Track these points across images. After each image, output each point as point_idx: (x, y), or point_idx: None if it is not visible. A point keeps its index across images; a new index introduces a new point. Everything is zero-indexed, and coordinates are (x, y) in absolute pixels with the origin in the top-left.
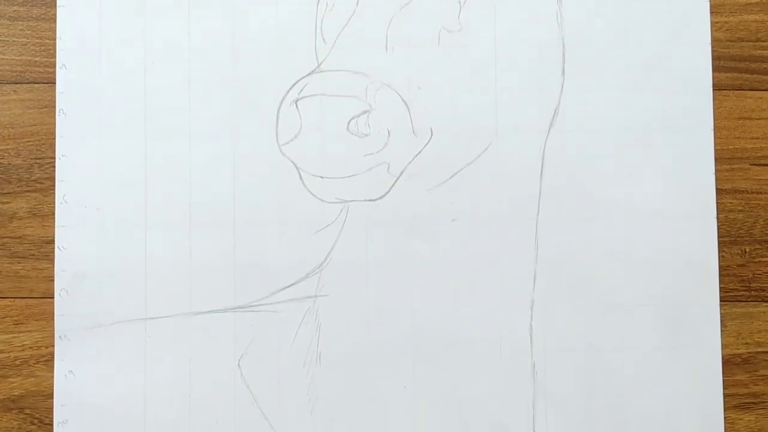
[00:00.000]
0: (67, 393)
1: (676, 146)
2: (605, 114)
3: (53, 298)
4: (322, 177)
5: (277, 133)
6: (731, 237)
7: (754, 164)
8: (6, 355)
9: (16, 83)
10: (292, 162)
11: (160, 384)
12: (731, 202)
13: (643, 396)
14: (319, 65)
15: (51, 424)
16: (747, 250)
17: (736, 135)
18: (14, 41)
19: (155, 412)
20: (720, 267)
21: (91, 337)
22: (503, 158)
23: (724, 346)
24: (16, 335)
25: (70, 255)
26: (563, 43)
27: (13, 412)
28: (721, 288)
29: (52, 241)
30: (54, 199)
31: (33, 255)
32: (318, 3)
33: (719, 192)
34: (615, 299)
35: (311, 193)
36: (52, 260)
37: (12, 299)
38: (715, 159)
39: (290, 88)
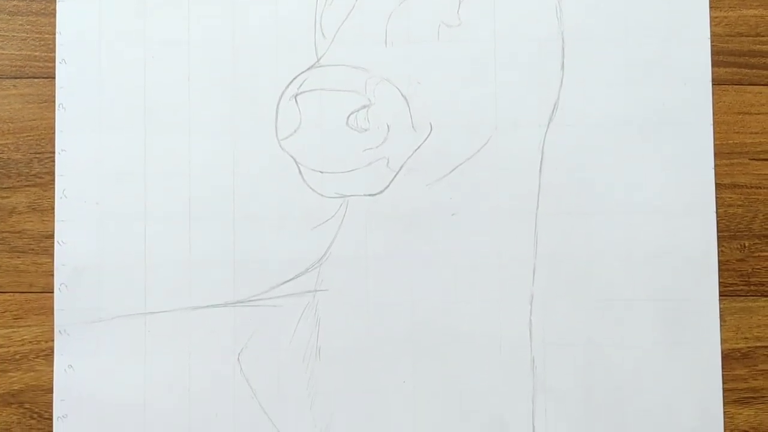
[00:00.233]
0: (67, 387)
1: (676, 141)
2: (605, 108)
3: (53, 292)
4: (321, 172)
5: (276, 127)
6: (730, 232)
7: (754, 159)
8: (6, 349)
9: (16, 78)
10: (292, 157)
11: (160, 378)
12: (730, 197)
13: (643, 390)
14: (318, 60)
15: (51, 419)
16: (746, 244)
17: (736, 130)
18: (14, 36)
19: (155, 406)
20: (719, 262)
21: (91, 331)
22: (503, 153)
23: (723, 340)
24: (15, 330)
25: (70, 249)
26: (563, 38)
27: (13, 406)
28: (720, 282)
29: (52, 236)
30: (54, 193)
31: (33, 249)
32: None
33: (718, 187)
34: (614, 294)
35: (311, 188)
36: (51, 255)
37: (12, 294)
38: (715, 154)
39: (290, 83)
